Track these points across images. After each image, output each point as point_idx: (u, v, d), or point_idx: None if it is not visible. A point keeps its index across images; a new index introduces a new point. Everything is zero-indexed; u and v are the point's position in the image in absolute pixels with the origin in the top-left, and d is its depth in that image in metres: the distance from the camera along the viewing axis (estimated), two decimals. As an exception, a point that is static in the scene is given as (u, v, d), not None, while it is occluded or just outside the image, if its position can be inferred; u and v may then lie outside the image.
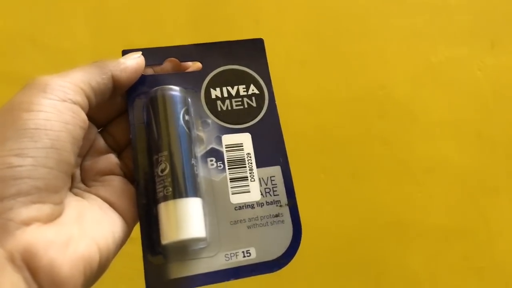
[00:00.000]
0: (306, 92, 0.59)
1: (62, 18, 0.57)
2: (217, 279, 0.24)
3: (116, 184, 0.25)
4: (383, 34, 0.61)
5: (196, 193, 0.24)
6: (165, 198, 0.23)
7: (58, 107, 0.22)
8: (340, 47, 0.60)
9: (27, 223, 0.20)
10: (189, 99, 0.27)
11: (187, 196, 0.24)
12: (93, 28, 0.57)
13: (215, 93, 0.28)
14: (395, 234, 0.57)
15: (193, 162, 0.25)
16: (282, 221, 0.26)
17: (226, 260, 0.24)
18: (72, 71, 0.25)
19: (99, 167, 0.26)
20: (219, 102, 0.28)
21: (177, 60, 0.29)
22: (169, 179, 0.24)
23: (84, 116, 0.23)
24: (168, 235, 0.23)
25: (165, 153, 0.24)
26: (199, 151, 0.26)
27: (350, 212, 0.57)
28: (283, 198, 0.26)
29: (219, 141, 0.26)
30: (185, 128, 0.25)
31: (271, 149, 0.27)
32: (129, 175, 0.27)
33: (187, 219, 0.23)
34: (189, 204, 0.24)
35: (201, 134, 0.26)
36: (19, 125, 0.21)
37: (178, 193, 0.24)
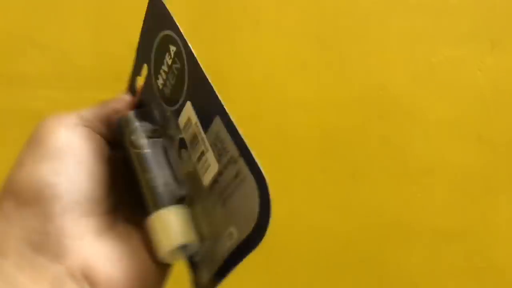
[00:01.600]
0: (306, 92, 0.58)
1: (62, 18, 0.57)
2: (227, 270, 0.21)
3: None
4: (383, 34, 0.61)
5: (166, 202, 0.23)
6: (146, 215, 0.23)
7: (76, 131, 0.24)
8: (340, 47, 0.60)
9: (80, 237, 0.21)
10: (143, 114, 0.26)
11: (156, 209, 0.22)
12: (93, 28, 0.57)
13: (160, 82, 0.25)
14: (395, 234, 0.57)
15: (152, 175, 0.23)
16: (244, 179, 0.20)
17: (220, 254, 0.21)
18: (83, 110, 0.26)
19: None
20: (165, 89, 0.25)
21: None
22: (143, 198, 0.23)
23: (99, 137, 0.25)
24: (160, 248, 0.22)
25: (136, 176, 0.24)
26: (172, 149, 0.24)
27: (349, 213, 0.57)
28: (234, 151, 0.20)
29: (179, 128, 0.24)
30: (133, 149, 0.24)
31: (205, 103, 0.22)
32: None
33: (163, 230, 0.22)
34: (161, 216, 0.22)
35: (169, 131, 0.25)
36: (46, 149, 0.22)
37: (149, 208, 0.23)
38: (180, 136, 0.24)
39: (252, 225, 0.19)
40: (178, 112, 0.24)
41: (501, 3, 0.62)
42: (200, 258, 0.23)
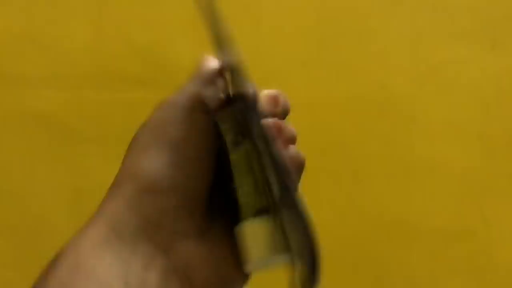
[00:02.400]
0: (306, 92, 0.58)
1: (62, 18, 0.57)
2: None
3: None
4: (384, 34, 0.61)
5: (250, 213, 0.23)
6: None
7: (193, 119, 0.23)
8: (340, 47, 0.60)
9: (187, 235, 0.21)
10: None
11: (243, 219, 0.23)
12: (93, 28, 0.57)
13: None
14: (395, 234, 0.57)
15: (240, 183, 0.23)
16: None
17: None
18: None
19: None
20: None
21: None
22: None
23: (213, 130, 0.24)
24: (246, 261, 0.22)
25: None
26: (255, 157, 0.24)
27: (350, 212, 0.57)
28: None
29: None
30: (230, 152, 0.24)
31: None
32: None
33: (252, 242, 0.23)
34: (247, 227, 0.23)
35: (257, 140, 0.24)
36: (165, 138, 0.22)
37: (238, 217, 0.23)
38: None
39: None
40: None
41: (501, 3, 0.62)
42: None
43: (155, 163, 0.21)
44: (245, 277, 0.23)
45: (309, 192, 0.63)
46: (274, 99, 0.27)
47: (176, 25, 0.58)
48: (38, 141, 0.55)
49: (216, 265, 0.22)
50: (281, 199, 0.22)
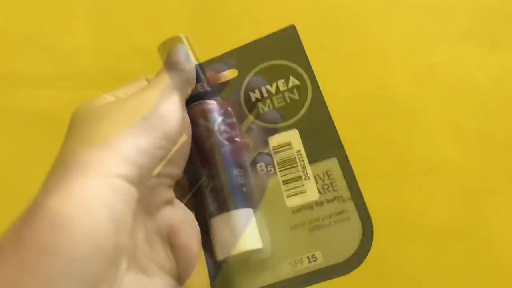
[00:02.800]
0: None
1: (62, 18, 0.57)
2: (296, 285, 0.22)
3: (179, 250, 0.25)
4: (383, 34, 0.61)
5: (244, 203, 0.23)
6: (214, 214, 0.24)
7: (96, 186, 0.20)
8: (340, 47, 0.60)
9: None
10: (228, 109, 0.26)
11: (235, 208, 0.23)
12: (93, 28, 0.57)
13: (254, 95, 0.26)
14: (395, 234, 0.57)
15: (236, 172, 0.24)
16: (348, 218, 0.24)
17: (291, 268, 0.23)
18: (116, 136, 0.22)
19: (156, 226, 0.25)
20: (260, 104, 0.26)
21: (212, 74, 0.28)
22: (215, 194, 0.24)
23: (129, 188, 0.21)
24: (223, 250, 0.23)
25: (207, 168, 0.24)
26: (247, 159, 0.25)
27: (350, 212, 0.57)
28: (344, 192, 0.24)
29: (266, 144, 0.25)
30: (223, 140, 0.24)
31: (322, 141, 0.26)
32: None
33: (239, 231, 0.23)
34: (239, 216, 0.23)
35: (247, 140, 0.26)
36: (52, 214, 0.19)
37: (225, 207, 0.23)
38: (265, 151, 0.25)
39: (343, 259, 0.24)
40: (269, 131, 0.25)
41: (501, 2, 0.62)
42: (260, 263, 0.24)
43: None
44: None
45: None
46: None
47: (176, 25, 0.58)
48: (38, 141, 0.55)
49: (195, 229, 0.24)
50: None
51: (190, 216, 0.24)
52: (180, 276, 0.23)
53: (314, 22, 0.60)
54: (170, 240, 0.23)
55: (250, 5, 0.59)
